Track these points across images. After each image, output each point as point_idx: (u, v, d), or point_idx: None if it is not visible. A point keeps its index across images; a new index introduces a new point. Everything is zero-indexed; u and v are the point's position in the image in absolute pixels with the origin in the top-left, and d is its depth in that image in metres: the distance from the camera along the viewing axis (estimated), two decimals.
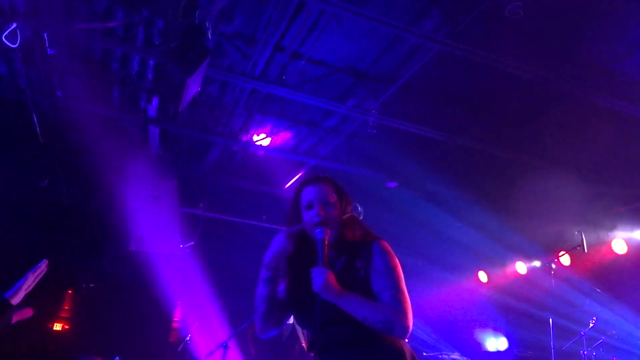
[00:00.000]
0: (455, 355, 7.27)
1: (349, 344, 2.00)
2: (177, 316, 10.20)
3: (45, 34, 5.33)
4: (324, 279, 1.96)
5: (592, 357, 5.28)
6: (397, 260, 2.10)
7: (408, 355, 2.03)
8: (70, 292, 9.69)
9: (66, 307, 9.61)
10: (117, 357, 5.78)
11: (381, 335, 1.99)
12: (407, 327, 1.97)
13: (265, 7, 5.01)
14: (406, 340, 2.08)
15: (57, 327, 9.43)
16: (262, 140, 7.33)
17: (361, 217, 2.30)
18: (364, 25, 5.06)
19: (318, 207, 2.13)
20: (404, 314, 1.97)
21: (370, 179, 7.72)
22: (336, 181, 2.27)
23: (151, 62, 5.79)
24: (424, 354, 7.28)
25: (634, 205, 6.69)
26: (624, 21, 4.78)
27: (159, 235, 7.92)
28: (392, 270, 2.05)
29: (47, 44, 5.55)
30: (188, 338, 6.62)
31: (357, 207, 2.32)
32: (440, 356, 7.11)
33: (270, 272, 2.14)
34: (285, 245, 2.14)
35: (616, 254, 6.71)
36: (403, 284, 2.05)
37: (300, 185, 2.26)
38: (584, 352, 5.33)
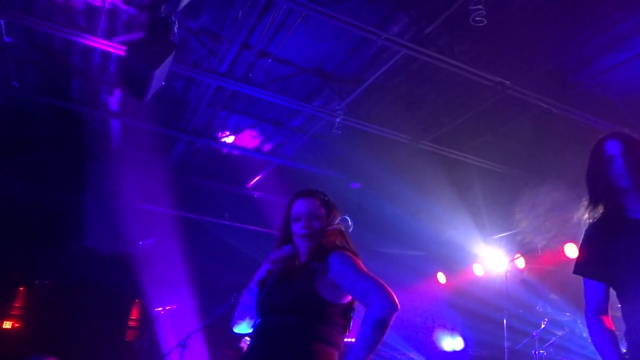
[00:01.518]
0: (413, 355, 7.39)
1: (272, 333, 2.11)
2: (134, 315, 10.00)
3: (2, 22, 5.15)
4: None
5: (543, 356, 5.46)
6: (354, 258, 2.20)
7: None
8: (22, 289, 9.36)
9: (17, 305, 9.29)
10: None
11: (306, 334, 2.06)
12: (390, 303, 2.01)
13: (232, 4, 4.98)
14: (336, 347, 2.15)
15: (7, 325, 9.10)
16: (226, 137, 7.28)
17: (350, 230, 2.42)
18: (332, 26, 5.09)
19: (305, 220, 2.30)
20: (373, 303, 2.01)
21: (335, 180, 7.78)
22: (326, 195, 2.42)
23: (113, 54, 5.66)
24: (382, 353, 7.37)
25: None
26: (580, 32, 4.97)
27: (117, 231, 7.75)
28: (350, 267, 2.14)
29: (3, 32, 5.37)
30: (144, 337, 6.51)
31: (347, 221, 2.44)
32: (397, 356, 7.22)
33: (257, 286, 2.33)
34: (276, 265, 2.29)
35: (568, 257, 6.95)
36: (365, 272, 2.12)
37: (293, 197, 2.41)
38: (535, 352, 5.50)
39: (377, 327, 1.96)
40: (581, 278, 2.41)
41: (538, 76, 5.49)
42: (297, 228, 2.29)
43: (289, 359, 2.02)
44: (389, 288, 2.06)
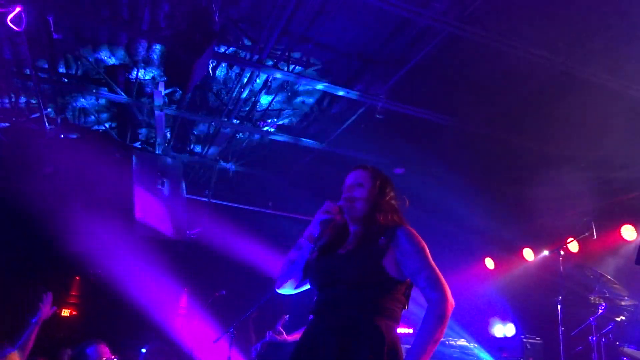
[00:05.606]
0: (462, 342, 7.26)
1: (337, 309, 2.11)
2: (183, 303, 10.24)
3: (50, 18, 5.29)
4: None
5: (601, 343, 5.26)
6: (423, 242, 2.20)
7: (387, 337, 2.05)
8: (77, 278, 9.75)
9: (74, 294, 9.68)
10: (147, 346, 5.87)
11: (371, 309, 2.07)
12: (450, 300, 2.06)
13: None
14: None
15: (65, 313, 9.50)
16: (269, 125, 7.29)
17: (406, 206, 2.45)
18: (372, 8, 4.98)
19: (348, 187, 2.37)
20: (439, 297, 2.05)
21: (378, 165, 7.66)
22: (377, 170, 2.47)
23: (157, 46, 5.74)
24: None
25: None
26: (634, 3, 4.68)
27: (165, 221, 7.91)
28: (420, 252, 2.16)
29: (52, 28, 5.51)
30: (194, 323, 6.66)
31: (404, 199, 2.46)
32: (446, 342, 7.10)
33: (305, 240, 2.34)
34: (325, 217, 2.29)
35: (625, 240, 6.66)
36: (432, 261, 2.15)
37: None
38: (592, 338, 5.30)
39: (443, 320, 2.01)
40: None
41: (590, 50, 5.22)
42: (342, 197, 2.35)
43: (356, 334, 2.02)
44: (446, 286, 2.10)
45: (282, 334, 5.73)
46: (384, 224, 2.24)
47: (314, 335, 2.11)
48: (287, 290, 2.40)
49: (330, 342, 2.02)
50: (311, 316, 2.20)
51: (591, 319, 5.41)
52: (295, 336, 5.35)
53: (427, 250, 2.17)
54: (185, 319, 9.88)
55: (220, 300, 7.03)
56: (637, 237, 6.64)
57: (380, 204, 2.31)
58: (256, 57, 5.69)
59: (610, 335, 5.31)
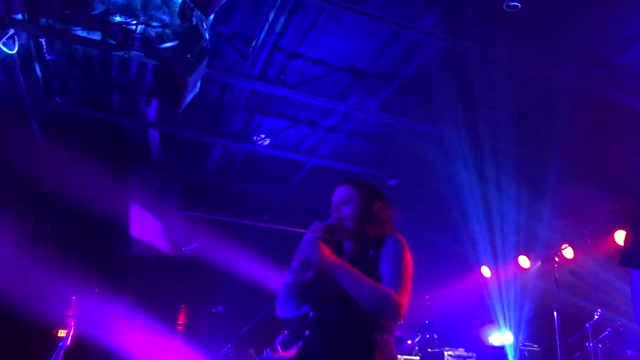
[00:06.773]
0: (460, 351, 7.26)
1: (333, 324, 2.10)
2: (181, 319, 10.19)
3: (42, 40, 5.32)
4: (317, 248, 2.07)
5: (598, 349, 5.28)
6: (407, 253, 2.18)
7: (383, 351, 2.04)
8: (74, 298, 9.67)
9: (70, 313, 9.60)
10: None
11: (367, 324, 2.04)
12: (398, 311, 2.02)
13: (262, 6, 5.01)
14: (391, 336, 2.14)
15: (62, 333, 9.41)
16: (262, 140, 7.33)
17: (398, 219, 2.40)
18: (363, 22, 5.05)
19: (334, 206, 2.33)
20: (398, 297, 2.03)
21: (371, 177, 7.71)
22: (363, 181, 2.41)
23: (149, 64, 5.78)
24: (429, 350, 7.27)
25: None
26: (623, 12, 4.76)
27: (162, 238, 7.91)
28: (398, 258, 2.14)
29: (45, 50, 5.55)
30: (193, 340, 6.63)
31: (393, 208, 2.41)
32: (445, 352, 7.10)
33: (297, 263, 2.27)
34: (313, 237, 2.22)
35: (619, 245, 6.70)
36: (406, 272, 2.12)
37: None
38: (589, 344, 5.32)
39: (376, 304, 2.00)
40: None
41: (581, 60, 5.30)
42: (331, 216, 2.33)
43: (354, 350, 2.03)
44: (406, 301, 2.06)
45: (278, 351, 5.71)
46: (374, 237, 2.24)
47: (310, 351, 2.13)
48: (287, 313, 2.38)
49: (326, 357, 2.03)
50: (307, 332, 2.20)
51: (588, 325, 5.43)
52: (292, 352, 5.34)
53: (408, 264, 2.14)
54: (182, 335, 9.82)
55: (217, 316, 7.01)
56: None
57: (370, 217, 2.29)
58: (248, 73, 5.75)
59: (607, 341, 5.33)
